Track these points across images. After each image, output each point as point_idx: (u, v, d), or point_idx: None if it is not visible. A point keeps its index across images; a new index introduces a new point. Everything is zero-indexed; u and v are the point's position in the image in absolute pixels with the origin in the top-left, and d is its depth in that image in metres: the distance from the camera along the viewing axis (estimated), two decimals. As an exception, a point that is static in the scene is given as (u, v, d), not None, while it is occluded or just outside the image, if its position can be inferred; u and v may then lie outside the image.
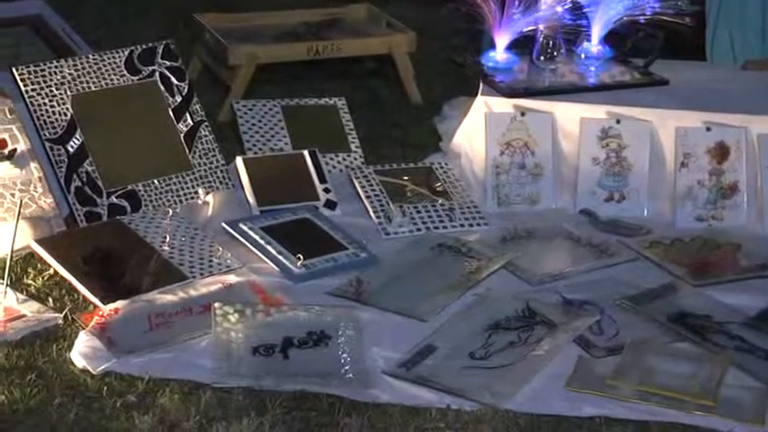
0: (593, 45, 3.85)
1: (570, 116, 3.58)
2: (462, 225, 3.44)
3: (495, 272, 3.16)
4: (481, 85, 3.71)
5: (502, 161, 3.58)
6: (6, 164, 3.26)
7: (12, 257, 3.00)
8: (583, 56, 3.85)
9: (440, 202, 3.52)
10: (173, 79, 3.62)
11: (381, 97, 4.39)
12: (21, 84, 3.37)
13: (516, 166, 3.58)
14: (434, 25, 4.86)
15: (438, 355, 2.77)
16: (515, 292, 3.06)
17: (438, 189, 3.58)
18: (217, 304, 2.86)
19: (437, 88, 4.44)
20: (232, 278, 3.10)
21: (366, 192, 3.53)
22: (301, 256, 3.16)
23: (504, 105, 3.62)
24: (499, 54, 3.77)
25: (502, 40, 3.74)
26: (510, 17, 3.68)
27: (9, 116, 3.32)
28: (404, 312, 2.95)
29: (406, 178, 3.61)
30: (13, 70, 3.39)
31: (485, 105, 3.63)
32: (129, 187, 3.43)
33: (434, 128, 4.08)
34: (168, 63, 3.62)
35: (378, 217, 3.44)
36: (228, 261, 3.18)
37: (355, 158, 3.79)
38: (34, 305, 2.93)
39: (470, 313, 2.95)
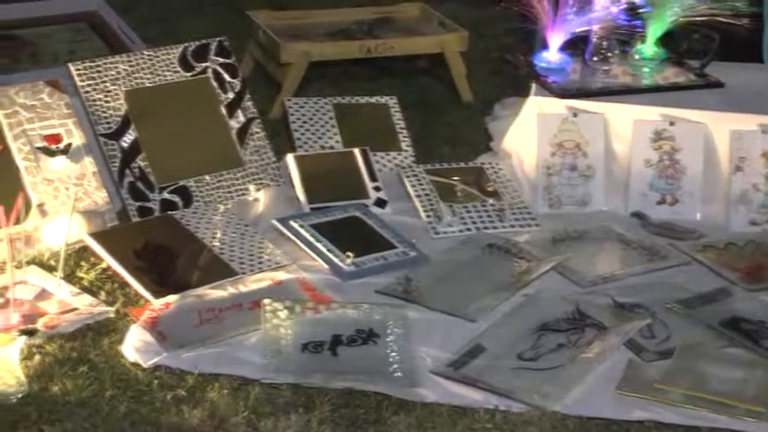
0: (648, 46, 3.82)
1: (623, 118, 3.55)
2: (512, 226, 3.43)
3: (545, 273, 3.14)
4: (533, 85, 3.69)
5: (553, 162, 3.56)
6: (62, 158, 3.30)
7: (66, 251, 3.04)
8: (637, 57, 3.82)
9: (490, 202, 3.51)
10: (225, 76, 3.64)
11: (432, 96, 4.38)
12: (77, 79, 3.41)
13: (567, 168, 3.56)
14: (487, 24, 4.85)
15: (486, 355, 2.76)
16: (565, 293, 3.04)
17: (488, 189, 3.57)
18: (266, 301, 2.88)
19: (488, 88, 4.43)
20: (282, 275, 3.11)
21: (416, 191, 3.53)
22: (351, 254, 3.17)
23: (556, 106, 3.60)
24: (552, 54, 3.75)
25: (555, 40, 3.72)
26: (563, 17, 3.66)
27: (65, 111, 3.36)
28: (453, 312, 2.95)
29: (456, 178, 3.60)
30: (70, 66, 3.43)
31: (536, 106, 3.62)
32: (181, 183, 3.46)
33: (485, 127, 4.07)
34: (221, 60, 3.65)
35: (428, 216, 3.44)
36: (278, 258, 3.19)
37: (406, 157, 3.79)
38: (87, 298, 2.97)
39: (519, 314, 2.94)
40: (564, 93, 3.62)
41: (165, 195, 3.42)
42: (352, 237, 3.27)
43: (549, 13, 3.66)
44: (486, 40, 4.76)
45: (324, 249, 3.21)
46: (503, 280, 3.10)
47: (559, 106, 3.59)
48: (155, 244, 3.18)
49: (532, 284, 3.10)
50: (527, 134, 3.63)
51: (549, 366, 2.70)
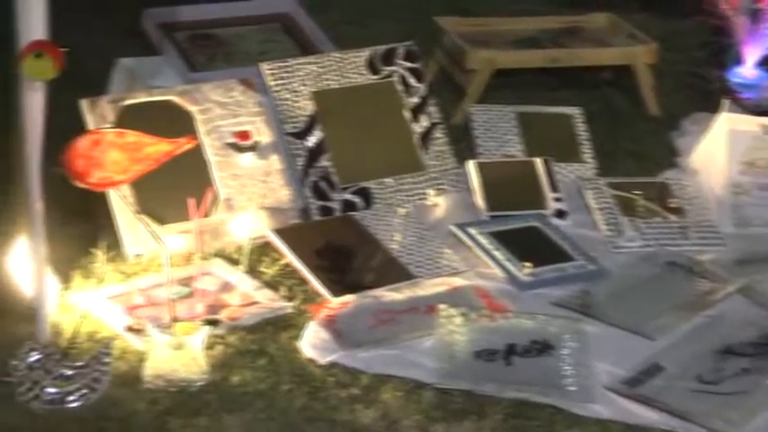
0: None
1: (821, 137, 3.42)
2: (696, 244, 3.33)
3: (729, 295, 3.05)
4: (725, 101, 3.58)
5: (742, 181, 3.45)
6: (250, 155, 3.39)
7: (250, 245, 3.12)
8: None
9: (673, 218, 3.43)
10: (411, 80, 3.67)
11: (617, 108, 4.30)
12: (268, 78, 3.50)
13: (758, 187, 3.44)
14: (678, 37, 4.72)
15: (664, 375, 2.70)
16: (751, 317, 2.94)
17: (671, 206, 3.48)
18: (442, 306, 2.88)
19: (676, 102, 4.31)
20: (458, 281, 3.12)
21: (597, 203, 3.48)
22: (528, 264, 3.14)
23: (748, 123, 3.48)
24: (747, 70, 3.63)
25: (751, 55, 3.61)
26: (762, 32, 3.55)
27: (255, 109, 3.46)
28: (631, 329, 2.89)
29: (638, 192, 3.53)
30: (262, 65, 3.52)
31: (728, 122, 3.51)
32: (363, 184, 3.50)
33: (671, 142, 3.97)
34: (408, 64, 3.68)
35: (608, 230, 3.38)
36: (455, 264, 3.20)
37: (588, 169, 3.74)
38: (267, 293, 3.04)
39: (701, 335, 2.86)
40: (758, 110, 3.50)
41: (347, 196, 3.47)
42: (531, 247, 3.25)
43: (746, 28, 3.55)
44: (675, 52, 4.63)
45: (501, 258, 3.19)
46: (684, 299, 3.02)
47: (752, 123, 3.48)
48: (335, 243, 3.23)
49: (716, 306, 3.01)
50: (716, 151, 3.53)
51: (732, 391, 2.61)
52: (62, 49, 2.48)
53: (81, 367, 2.60)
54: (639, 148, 3.98)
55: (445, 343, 2.80)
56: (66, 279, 3.00)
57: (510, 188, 3.52)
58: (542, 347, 2.78)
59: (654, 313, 2.95)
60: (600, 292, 3.06)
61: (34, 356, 2.59)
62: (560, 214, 3.47)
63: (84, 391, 2.57)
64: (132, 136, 2.68)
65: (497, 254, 3.21)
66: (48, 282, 2.78)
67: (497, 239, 3.27)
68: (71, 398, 2.56)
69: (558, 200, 3.50)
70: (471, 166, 3.58)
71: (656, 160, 3.85)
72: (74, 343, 2.73)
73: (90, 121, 3.22)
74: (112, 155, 2.65)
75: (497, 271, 3.16)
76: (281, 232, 3.23)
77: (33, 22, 2.53)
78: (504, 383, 2.66)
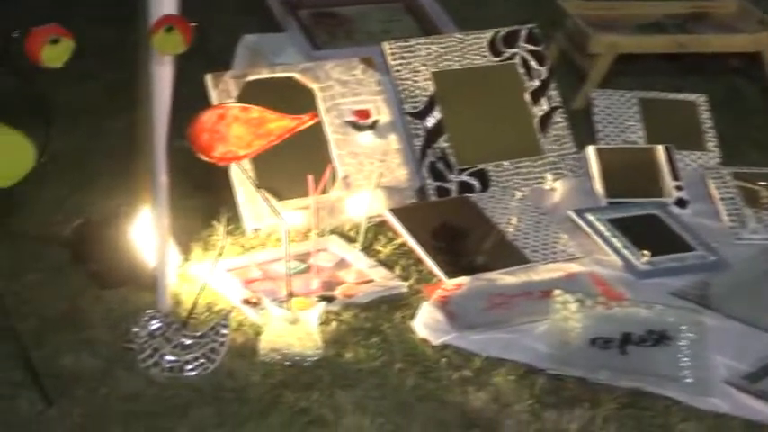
0: None
1: None
2: (823, 238, 3.24)
3: None
4: None
5: None
6: (369, 133, 3.40)
7: (366, 224, 3.14)
8: None
9: (799, 211, 3.33)
10: (533, 63, 3.63)
11: (743, 97, 4.20)
12: (389, 57, 3.51)
13: None
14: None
15: (787, 372, 2.63)
16: None
17: (798, 198, 3.39)
18: (557, 291, 2.86)
19: (807, 91, 4.20)
20: (574, 267, 3.08)
21: (720, 193, 3.40)
22: (647, 253, 3.09)
23: None
24: None
25: None
26: None
27: (375, 88, 3.47)
28: (753, 322, 2.82)
29: (762, 183, 3.44)
30: (384, 45, 3.53)
31: None
32: (480, 166, 3.49)
33: (800, 133, 3.86)
34: (530, 47, 3.64)
35: (731, 220, 3.30)
36: (571, 249, 3.16)
37: (711, 158, 3.65)
38: (382, 271, 3.05)
39: (825, 333, 2.78)
40: None
41: (464, 177, 3.46)
42: (649, 235, 3.19)
43: None
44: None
45: (619, 245, 3.15)
46: (809, 295, 2.94)
47: None
48: (451, 225, 3.22)
49: (843, 303, 2.92)
50: None
51: None
52: (191, 24, 2.51)
53: (199, 337, 2.65)
54: (765, 138, 3.88)
55: (559, 329, 2.77)
56: (186, 251, 3.06)
57: (630, 175, 3.47)
58: (659, 337, 2.74)
59: (776, 308, 2.88)
60: (720, 284, 2.99)
61: (155, 324, 2.65)
62: (681, 203, 3.40)
63: (202, 360, 2.63)
64: (256, 111, 2.71)
65: (615, 241, 3.16)
66: (169, 253, 2.83)
67: (615, 226, 3.22)
68: (189, 366, 2.61)
69: (679, 188, 3.43)
70: (591, 151, 3.53)
71: (784, 151, 3.76)
72: (192, 313, 2.78)
73: (213, 95, 3.27)
74: (236, 129, 2.68)
75: (615, 258, 3.12)
76: (397, 212, 3.24)
77: (164, -2, 2.57)
78: (618, 372, 2.63)
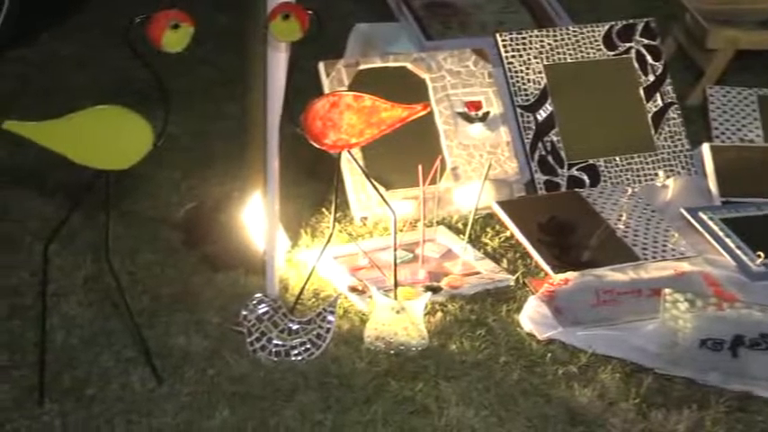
0: None
1: None
2: None
3: None
4: None
5: None
6: (479, 125, 3.39)
7: (474, 215, 3.13)
8: None
9: None
10: (648, 58, 3.57)
11: None
12: (502, 49, 3.48)
13: None
14: None
15: None
16: None
17: None
18: (667, 290, 2.80)
19: None
20: (685, 266, 3.03)
21: (840, 196, 3.31)
22: (762, 254, 3.02)
23: None
24: None
25: None
26: None
27: (487, 80, 3.45)
28: None
29: None
30: (497, 36, 3.51)
31: None
32: (591, 161, 3.45)
33: None
34: (646, 41, 3.58)
35: None
36: (683, 248, 3.11)
37: (832, 159, 3.55)
38: (489, 264, 3.04)
39: None
40: None
41: (574, 172, 3.42)
42: (765, 236, 3.12)
43: None
44: None
45: (732, 245, 3.08)
46: None
47: None
48: (559, 219, 3.19)
49: None
50: None
51: None
52: (308, 12, 2.53)
53: (306, 323, 2.67)
54: None
55: (669, 329, 2.72)
56: (295, 237, 3.10)
57: (746, 174, 3.39)
58: (773, 342, 2.68)
59: None
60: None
61: (263, 308, 2.68)
62: (800, 205, 3.32)
63: (308, 346, 2.65)
64: (368, 100, 2.72)
65: (729, 241, 3.10)
66: (278, 238, 2.86)
67: (730, 226, 3.15)
68: (295, 351, 2.64)
69: (797, 189, 3.35)
70: (706, 149, 3.46)
71: None
72: (300, 299, 2.81)
73: (326, 83, 3.30)
74: (349, 117, 2.69)
75: (728, 258, 3.05)
76: (505, 205, 3.22)
77: (282, -15, 2.60)
78: (729, 375, 2.58)
